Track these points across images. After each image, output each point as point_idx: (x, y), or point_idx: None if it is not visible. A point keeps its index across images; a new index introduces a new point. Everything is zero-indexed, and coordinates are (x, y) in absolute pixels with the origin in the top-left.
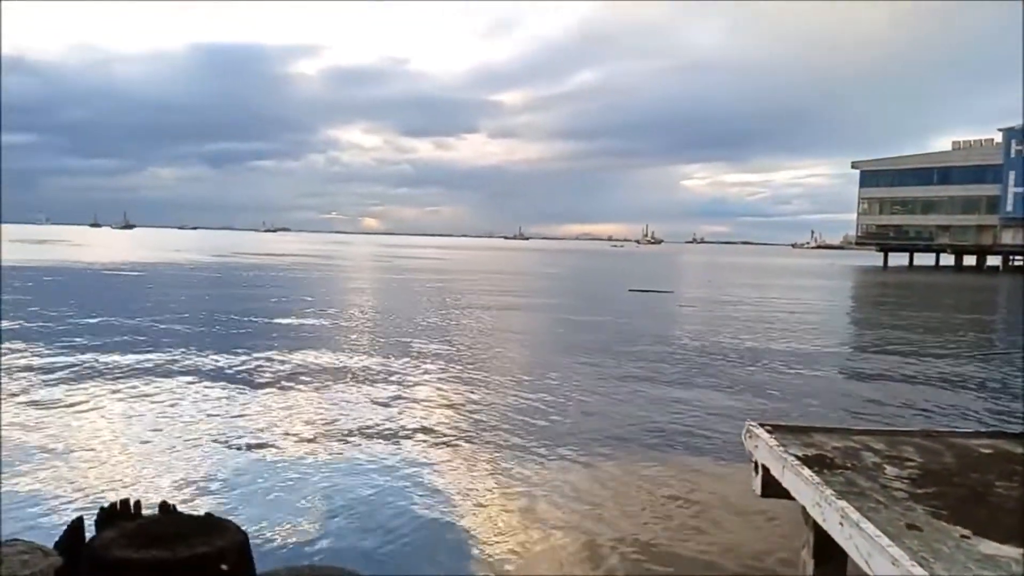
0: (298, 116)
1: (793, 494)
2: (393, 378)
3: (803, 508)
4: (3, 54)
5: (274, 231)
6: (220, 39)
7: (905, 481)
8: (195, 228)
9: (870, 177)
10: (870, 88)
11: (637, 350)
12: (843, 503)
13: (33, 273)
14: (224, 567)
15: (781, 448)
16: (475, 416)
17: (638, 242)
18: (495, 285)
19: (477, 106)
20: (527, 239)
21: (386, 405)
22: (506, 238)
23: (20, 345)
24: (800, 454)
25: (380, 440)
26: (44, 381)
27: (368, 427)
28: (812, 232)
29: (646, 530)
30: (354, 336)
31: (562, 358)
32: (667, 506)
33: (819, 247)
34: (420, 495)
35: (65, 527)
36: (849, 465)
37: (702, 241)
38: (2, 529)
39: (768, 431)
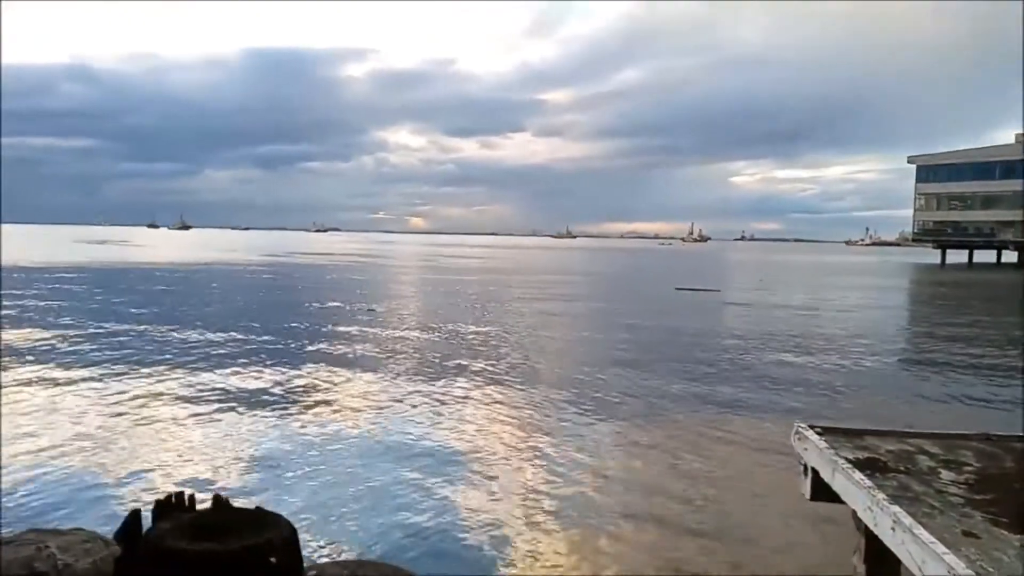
0: (347, 118)
1: (844, 498)
2: (434, 395)
3: (854, 513)
4: (68, 63)
5: (324, 231)
6: (272, 44)
7: (962, 486)
8: (248, 229)
9: (927, 172)
10: (925, 81)
11: (682, 351)
12: (896, 508)
13: (95, 273)
14: (273, 559)
15: (831, 451)
16: (520, 423)
17: (683, 240)
18: (541, 284)
19: (522, 105)
20: (574, 237)
21: (426, 422)
22: (553, 237)
23: (84, 346)
24: (851, 457)
25: (419, 444)
26: (114, 373)
27: (412, 428)
28: (866, 229)
29: (695, 532)
30: (400, 333)
31: (606, 357)
32: (715, 507)
33: (873, 244)
34: (454, 503)
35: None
36: (903, 469)
37: (751, 239)
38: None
39: (818, 433)
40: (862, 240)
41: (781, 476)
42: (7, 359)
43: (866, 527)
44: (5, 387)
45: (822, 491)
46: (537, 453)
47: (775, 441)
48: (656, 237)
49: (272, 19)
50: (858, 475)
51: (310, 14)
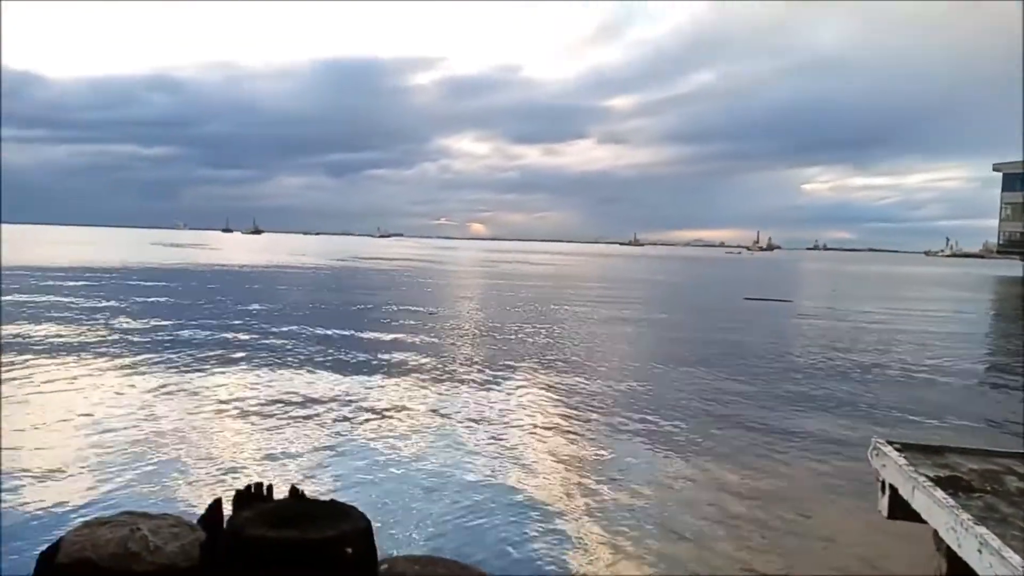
0: (413, 126)
1: (924, 517)
2: (492, 401)
3: (935, 532)
4: (150, 74)
5: (387, 236)
6: (342, 55)
7: None
8: (317, 233)
9: (1014, 180)
10: (1012, 86)
11: (750, 362)
12: (982, 529)
13: (179, 274)
14: (349, 550)
15: (911, 468)
16: (577, 434)
17: (748, 248)
18: (607, 293)
19: (586, 112)
20: (641, 245)
21: (485, 427)
22: (620, 244)
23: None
24: (932, 475)
25: (480, 450)
26: (192, 369)
27: (471, 432)
28: (947, 240)
29: (761, 550)
30: (459, 338)
31: (671, 366)
32: (788, 527)
33: (954, 255)
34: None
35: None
36: (989, 489)
37: (824, 248)
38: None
39: (897, 449)
40: (942, 251)
41: (856, 493)
42: (95, 355)
43: (948, 548)
44: (95, 380)
45: (900, 509)
46: (597, 465)
47: (849, 457)
48: (723, 245)
49: (344, 30)
50: (940, 493)
51: (381, 24)
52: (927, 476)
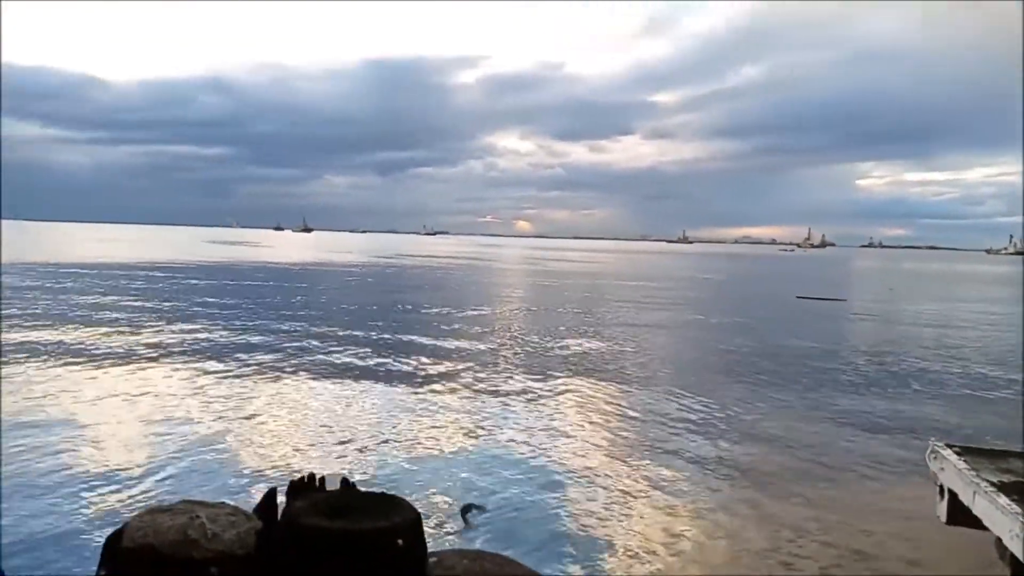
0: (458, 124)
1: (986, 523)
2: (540, 399)
3: (998, 540)
4: (205, 75)
5: (433, 234)
6: (390, 54)
7: None
8: (364, 231)
9: None
10: None
11: (803, 363)
12: None
13: (246, 268)
14: (400, 541)
15: (972, 472)
16: (626, 444)
17: (799, 245)
18: (654, 293)
19: (632, 108)
20: (690, 243)
21: (532, 426)
22: (668, 242)
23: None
24: (995, 480)
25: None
26: (245, 365)
27: (518, 431)
28: (1011, 237)
29: (816, 557)
30: (506, 336)
31: (722, 372)
32: (839, 532)
33: (1018, 253)
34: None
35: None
36: None
37: (879, 245)
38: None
39: (956, 453)
40: (1005, 249)
41: (913, 498)
42: (155, 351)
43: (1012, 556)
44: (156, 373)
45: (960, 515)
46: (647, 463)
47: (905, 460)
48: (773, 242)
49: (391, 29)
50: (1003, 499)
51: (426, 23)
52: (989, 481)
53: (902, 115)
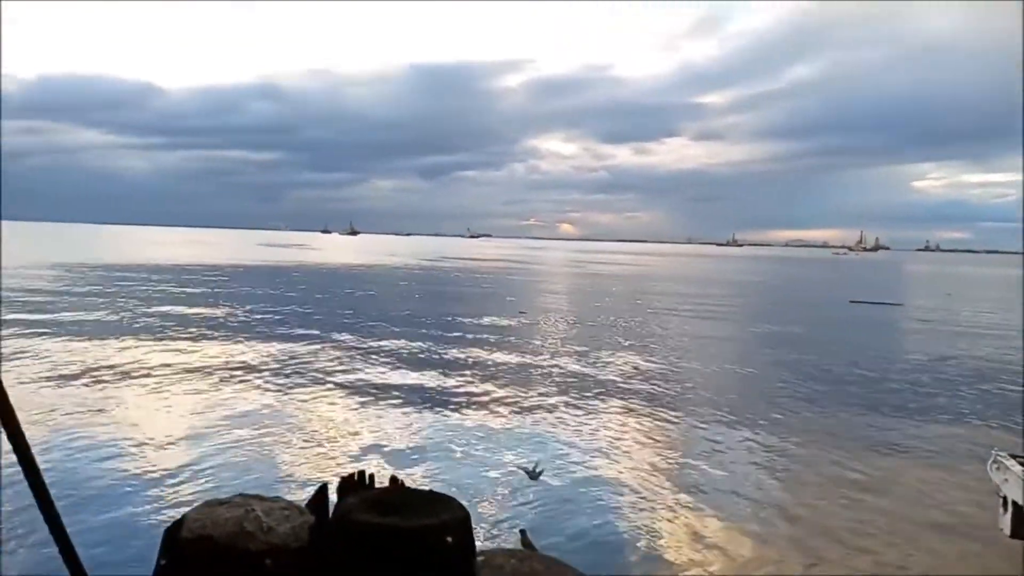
0: (501, 128)
1: None
2: (585, 406)
3: None
4: (257, 82)
5: (476, 237)
6: (436, 59)
7: None
8: (408, 234)
9: None
10: None
11: (858, 370)
12: None
13: (302, 273)
14: (449, 539)
15: None
16: (680, 446)
17: (851, 248)
18: (705, 299)
19: (679, 109)
20: (740, 246)
21: (578, 432)
22: (718, 245)
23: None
24: None
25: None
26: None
27: (564, 433)
28: None
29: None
30: (549, 340)
31: (776, 395)
32: (900, 545)
33: None
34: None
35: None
36: None
37: (936, 249)
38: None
39: (1021, 462)
40: None
41: (974, 509)
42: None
43: None
44: (211, 376)
45: None
46: (692, 472)
47: (965, 471)
48: (825, 245)
49: (439, 35)
50: None
51: (472, 28)
52: None
53: (961, 114)
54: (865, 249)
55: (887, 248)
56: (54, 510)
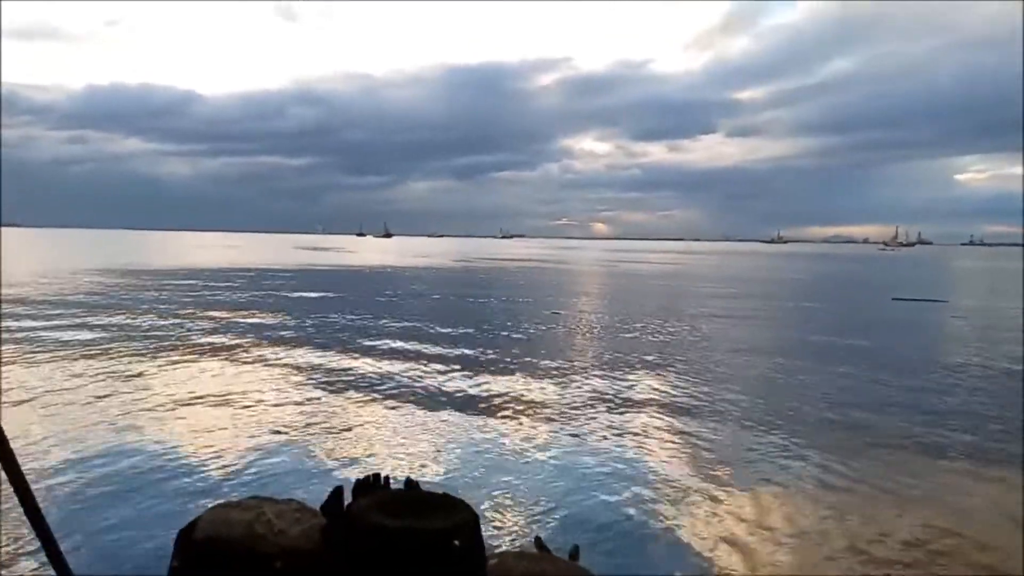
0: (535, 128)
1: None
2: (617, 412)
3: None
4: (294, 88)
5: (510, 237)
6: (471, 60)
7: None
8: (442, 236)
9: None
10: None
11: (902, 373)
12: None
13: (339, 276)
14: (457, 542)
15: None
16: (712, 457)
17: (886, 244)
18: (743, 301)
19: (714, 105)
20: (785, 243)
21: (609, 439)
22: (762, 242)
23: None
24: None
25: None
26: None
27: (592, 438)
28: None
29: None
30: (583, 341)
31: (812, 380)
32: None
33: None
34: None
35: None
36: None
37: (981, 243)
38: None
39: None
40: None
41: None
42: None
43: None
44: (233, 374)
45: None
46: (724, 486)
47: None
48: (866, 241)
49: (473, 35)
50: None
51: (507, 28)
52: None
53: (1005, 106)
54: (902, 244)
55: (929, 243)
56: (40, 515)
